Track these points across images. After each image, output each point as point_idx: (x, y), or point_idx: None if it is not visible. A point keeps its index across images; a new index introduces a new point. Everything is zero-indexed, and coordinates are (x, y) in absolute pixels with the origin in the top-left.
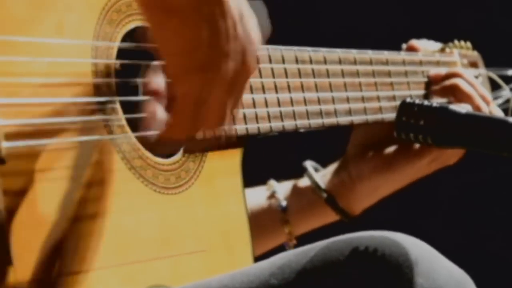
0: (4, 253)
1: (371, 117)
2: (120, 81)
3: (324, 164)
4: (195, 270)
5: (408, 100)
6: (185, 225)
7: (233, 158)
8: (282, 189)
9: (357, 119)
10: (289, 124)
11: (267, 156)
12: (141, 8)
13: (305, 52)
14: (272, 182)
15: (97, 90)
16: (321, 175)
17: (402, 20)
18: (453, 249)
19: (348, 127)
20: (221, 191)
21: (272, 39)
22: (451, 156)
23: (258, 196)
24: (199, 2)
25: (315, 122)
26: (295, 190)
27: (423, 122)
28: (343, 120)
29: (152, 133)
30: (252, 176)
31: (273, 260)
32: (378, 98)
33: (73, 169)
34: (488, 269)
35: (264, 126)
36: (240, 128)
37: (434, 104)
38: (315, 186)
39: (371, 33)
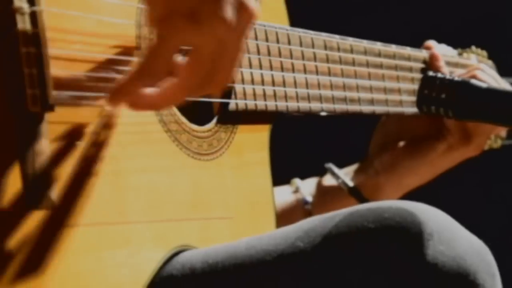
0: (48, 197)
1: (392, 109)
2: None
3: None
4: (221, 235)
5: (431, 73)
6: (214, 191)
7: (261, 133)
8: (306, 186)
9: (379, 109)
10: (315, 106)
11: (289, 159)
12: None
13: (334, 39)
14: (296, 180)
15: (140, 52)
16: (344, 172)
17: (421, 26)
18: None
19: (366, 131)
20: (249, 163)
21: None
22: (473, 147)
23: (283, 193)
24: None
25: (340, 107)
26: (319, 186)
27: (444, 96)
28: (366, 109)
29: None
30: (275, 177)
31: (299, 225)
32: (400, 91)
33: (114, 128)
34: None
35: (292, 105)
36: (270, 104)
37: (456, 78)
38: (339, 180)
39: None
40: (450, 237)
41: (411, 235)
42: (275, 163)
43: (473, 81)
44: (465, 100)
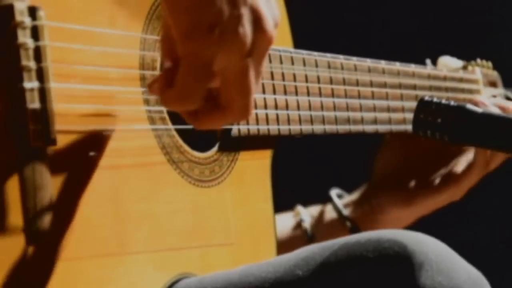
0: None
1: (395, 127)
2: None
3: (349, 189)
4: (222, 262)
5: (426, 98)
6: (215, 218)
7: (264, 158)
8: (308, 216)
9: (382, 128)
10: (318, 128)
11: (294, 180)
12: None
13: (338, 59)
14: (300, 209)
15: (143, 81)
16: (345, 203)
17: (426, 36)
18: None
19: (371, 151)
20: (251, 188)
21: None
22: (468, 186)
23: (285, 224)
24: None
25: (343, 128)
26: (321, 218)
27: (440, 120)
28: (369, 128)
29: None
30: (281, 199)
31: (298, 252)
32: (403, 109)
33: (114, 156)
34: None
35: (295, 128)
36: (272, 128)
37: (452, 103)
38: (340, 216)
39: (398, 47)
40: (449, 267)
41: (409, 265)
42: (280, 184)
43: (469, 106)
44: (461, 125)
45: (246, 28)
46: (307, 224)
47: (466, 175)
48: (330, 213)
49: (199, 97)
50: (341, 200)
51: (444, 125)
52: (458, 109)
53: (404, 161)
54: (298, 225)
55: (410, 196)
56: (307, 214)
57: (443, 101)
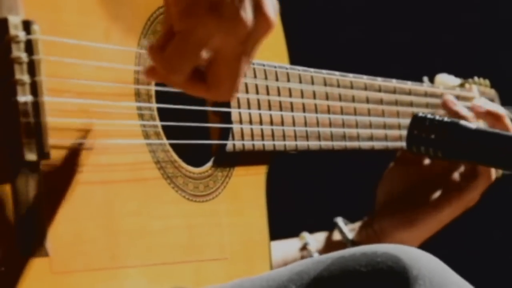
0: (41, 245)
1: (391, 144)
2: (160, 89)
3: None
4: (216, 276)
5: (420, 114)
6: (209, 232)
7: (259, 174)
8: (314, 241)
9: (378, 145)
10: (313, 144)
11: (299, 209)
12: None
13: (334, 76)
14: (305, 234)
15: (137, 96)
16: (350, 229)
17: (424, 54)
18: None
19: (375, 177)
20: (245, 203)
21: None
22: (470, 200)
23: (291, 247)
24: None
25: (338, 144)
26: (326, 243)
27: (434, 136)
28: (365, 144)
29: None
30: (286, 227)
31: (291, 267)
32: (399, 127)
33: (108, 170)
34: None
35: (290, 144)
36: (268, 144)
37: (445, 119)
38: (346, 240)
39: (395, 62)
40: (442, 282)
41: (402, 280)
42: (286, 212)
43: (463, 122)
44: (454, 141)
45: (248, 13)
46: (312, 247)
47: (465, 188)
48: (335, 238)
49: (185, 73)
50: (346, 226)
51: (438, 141)
52: (451, 125)
53: (404, 186)
54: (304, 247)
55: (411, 217)
56: (312, 239)
57: (437, 117)
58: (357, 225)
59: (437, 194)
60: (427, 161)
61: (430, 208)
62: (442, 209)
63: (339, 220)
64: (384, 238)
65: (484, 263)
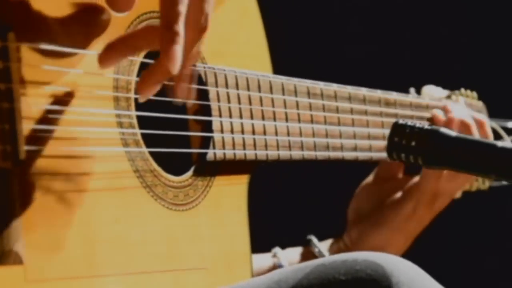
0: (15, 253)
1: (375, 155)
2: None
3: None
4: (196, 286)
5: (401, 121)
6: (189, 241)
7: (240, 184)
8: (286, 255)
9: (362, 155)
10: (296, 153)
11: (272, 227)
12: None
13: (317, 85)
14: (277, 249)
15: (116, 103)
16: (323, 245)
17: (410, 64)
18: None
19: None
20: (226, 213)
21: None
22: (441, 197)
23: (261, 259)
24: None
25: (322, 154)
26: (299, 255)
27: (414, 143)
28: (349, 155)
29: None
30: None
31: (271, 276)
32: (384, 137)
33: (86, 178)
34: None
35: (273, 153)
36: (249, 153)
37: (426, 126)
38: (319, 253)
39: (382, 72)
40: None
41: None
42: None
43: (443, 130)
44: (434, 148)
45: None
46: (282, 259)
47: (424, 180)
48: (306, 255)
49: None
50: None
51: (418, 148)
52: (431, 132)
53: (373, 204)
54: (273, 259)
55: (376, 218)
56: (283, 253)
57: (417, 124)
58: (328, 242)
59: (399, 193)
60: (397, 181)
61: (393, 205)
62: (404, 202)
63: (313, 237)
64: (356, 248)
65: (462, 270)
